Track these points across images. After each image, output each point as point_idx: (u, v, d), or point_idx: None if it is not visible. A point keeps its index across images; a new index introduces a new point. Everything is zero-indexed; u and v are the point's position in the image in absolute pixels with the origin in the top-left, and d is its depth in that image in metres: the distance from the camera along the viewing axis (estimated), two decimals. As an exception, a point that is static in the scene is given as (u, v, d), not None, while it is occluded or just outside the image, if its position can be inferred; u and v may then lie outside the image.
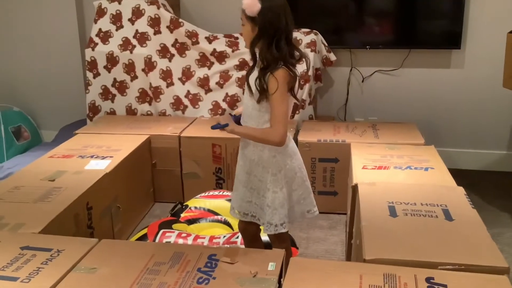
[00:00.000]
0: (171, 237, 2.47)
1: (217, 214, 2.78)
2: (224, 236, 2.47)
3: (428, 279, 1.57)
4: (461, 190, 2.30)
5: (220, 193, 2.94)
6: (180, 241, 2.45)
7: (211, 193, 2.96)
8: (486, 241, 1.83)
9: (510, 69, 3.08)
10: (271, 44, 1.84)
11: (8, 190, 2.38)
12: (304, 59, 1.99)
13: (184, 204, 2.90)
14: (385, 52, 3.92)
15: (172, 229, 2.56)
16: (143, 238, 2.51)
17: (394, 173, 2.55)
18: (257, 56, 1.93)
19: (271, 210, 1.96)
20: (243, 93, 3.59)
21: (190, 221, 2.74)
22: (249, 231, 2.15)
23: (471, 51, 3.77)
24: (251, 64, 2.02)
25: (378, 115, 4.00)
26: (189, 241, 2.44)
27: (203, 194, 2.95)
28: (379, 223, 1.98)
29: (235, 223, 2.63)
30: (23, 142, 4.28)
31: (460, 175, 2.64)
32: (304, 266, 1.69)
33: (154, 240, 2.47)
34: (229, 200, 2.53)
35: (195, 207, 2.82)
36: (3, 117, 4.17)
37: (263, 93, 1.88)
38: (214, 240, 2.45)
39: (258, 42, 1.88)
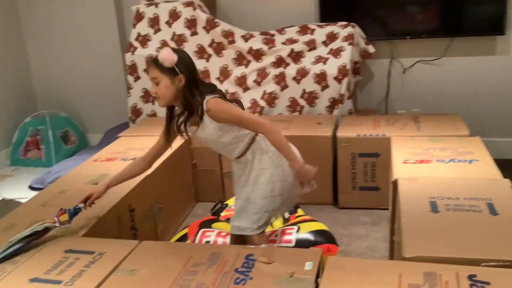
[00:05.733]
0: (210, 236, 2.50)
1: None
2: None
3: (470, 277, 1.52)
4: (507, 182, 2.21)
5: None
6: (220, 240, 2.47)
7: None
8: (533, 236, 1.76)
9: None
10: (194, 89, 1.96)
11: (53, 195, 2.47)
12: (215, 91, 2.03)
13: (224, 203, 2.92)
14: (426, 41, 3.81)
15: (212, 228, 2.58)
16: (183, 238, 2.55)
17: (436, 166, 2.48)
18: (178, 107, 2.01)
19: None
20: (281, 90, 3.62)
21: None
22: None
23: (516, 36, 3.63)
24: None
25: (420, 106, 3.90)
26: (228, 239, 2.46)
27: None
28: (419, 219, 1.93)
29: (274, 221, 2.63)
30: (70, 146, 4.43)
31: (509, 166, 2.54)
32: (341, 265, 1.67)
33: (194, 240, 2.50)
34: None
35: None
36: (51, 122, 4.34)
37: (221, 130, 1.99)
38: None
39: (185, 90, 1.94)
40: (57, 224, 1.96)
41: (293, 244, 2.39)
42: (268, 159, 2.08)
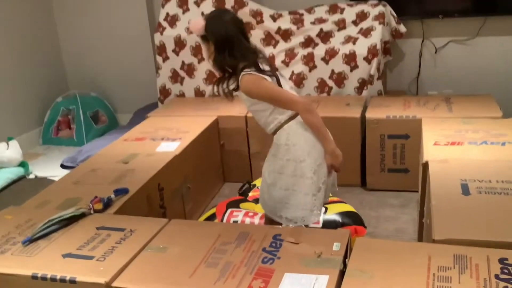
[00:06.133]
0: (238, 216, 2.52)
1: None
2: None
3: (501, 260, 1.50)
4: (541, 165, 2.16)
5: None
6: (247, 220, 2.49)
7: None
8: None
9: None
10: (228, 56, 1.95)
11: (85, 173, 2.52)
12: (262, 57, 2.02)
13: (252, 183, 2.93)
14: (460, 20, 3.72)
15: (240, 208, 2.60)
16: (211, 217, 2.58)
17: (468, 149, 2.43)
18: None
19: None
20: (309, 70, 3.59)
21: (258, 200, 2.76)
22: None
23: (554, 14, 3.50)
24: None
25: (453, 87, 3.82)
26: (256, 219, 2.48)
27: None
28: (450, 201, 1.91)
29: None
30: (101, 126, 4.49)
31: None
32: (369, 247, 1.66)
33: (222, 219, 2.53)
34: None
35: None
36: (82, 102, 4.40)
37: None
38: None
39: (216, 57, 1.97)
40: (92, 211, 2.02)
41: (320, 225, 2.39)
42: (295, 151, 2.00)
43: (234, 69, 1.97)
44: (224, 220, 2.52)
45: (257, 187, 2.86)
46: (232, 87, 2.01)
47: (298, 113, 1.98)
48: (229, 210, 2.56)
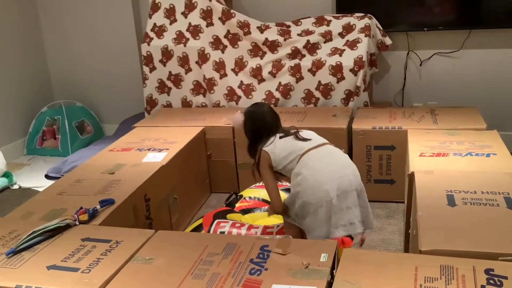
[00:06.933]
0: (225, 227, 2.50)
1: (270, 203, 2.79)
2: (278, 226, 2.48)
3: (487, 271, 1.51)
4: (525, 177, 2.18)
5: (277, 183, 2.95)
6: (234, 231, 2.48)
7: None
8: (552, 231, 1.73)
9: None
10: (253, 142, 2.38)
11: (71, 184, 2.49)
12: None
13: (239, 194, 2.92)
14: (444, 33, 3.77)
15: (227, 219, 2.59)
16: (198, 228, 2.56)
17: (453, 160, 2.46)
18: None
19: None
20: (296, 81, 3.61)
21: (245, 211, 2.76)
22: None
23: (537, 28, 3.57)
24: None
25: (437, 99, 3.87)
26: (243, 230, 2.47)
27: (257, 184, 2.96)
28: (436, 212, 1.92)
29: None
30: (86, 136, 4.46)
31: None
32: (357, 258, 1.66)
33: (209, 230, 2.51)
34: (284, 190, 2.63)
35: (250, 197, 2.85)
36: (67, 112, 4.37)
37: None
38: (268, 230, 2.46)
39: (248, 142, 2.41)
40: (77, 222, 2.00)
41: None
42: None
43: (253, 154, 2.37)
44: (211, 231, 2.50)
45: (244, 198, 2.86)
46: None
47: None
48: (216, 221, 2.55)
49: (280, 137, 2.31)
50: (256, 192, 2.90)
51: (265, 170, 2.30)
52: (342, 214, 2.14)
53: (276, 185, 2.33)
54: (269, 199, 2.78)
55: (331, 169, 2.16)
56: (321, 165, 2.18)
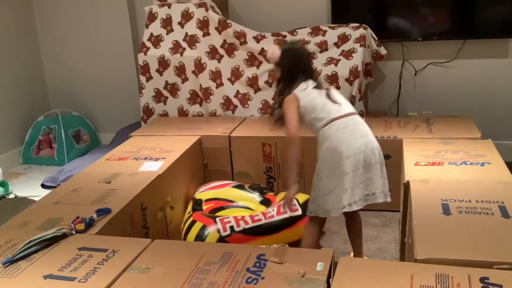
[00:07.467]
0: (231, 222, 2.66)
1: (231, 201, 2.95)
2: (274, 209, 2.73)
3: (482, 279, 1.52)
4: (519, 185, 2.20)
5: (220, 183, 3.09)
6: (241, 223, 2.65)
7: (212, 184, 3.08)
8: (546, 239, 1.75)
9: None
10: (286, 81, 2.38)
11: (67, 193, 2.49)
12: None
13: (197, 198, 2.94)
14: (438, 43, 3.81)
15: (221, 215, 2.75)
16: (203, 229, 2.64)
17: (448, 169, 2.47)
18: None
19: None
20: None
21: (217, 210, 2.87)
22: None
23: (530, 39, 3.61)
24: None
25: (432, 109, 3.90)
26: (232, 221, 2.65)
27: (206, 187, 3.05)
28: (431, 221, 1.93)
29: (255, 207, 2.91)
30: (82, 145, 4.46)
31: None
32: (353, 266, 1.67)
33: (217, 229, 2.64)
34: (236, 187, 3.01)
35: (207, 200, 2.93)
36: (64, 121, 4.37)
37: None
38: (268, 215, 2.72)
39: (279, 80, 2.41)
40: (73, 232, 2.01)
41: (300, 212, 2.73)
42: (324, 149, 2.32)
43: (286, 88, 2.37)
44: (221, 229, 2.61)
45: (204, 201, 2.93)
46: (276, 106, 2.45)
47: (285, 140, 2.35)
48: (218, 219, 2.65)
49: (313, 88, 2.35)
50: (209, 194, 2.99)
51: (292, 104, 2.31)
52: (366, 185, 2.27)
53: (297, 119, 2.33)
54: (227, 198, 2.96)
55: (358, 142, 2.26)
56: (347, 135, 2.27)
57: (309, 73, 2.40)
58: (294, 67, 2.37)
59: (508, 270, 1.58)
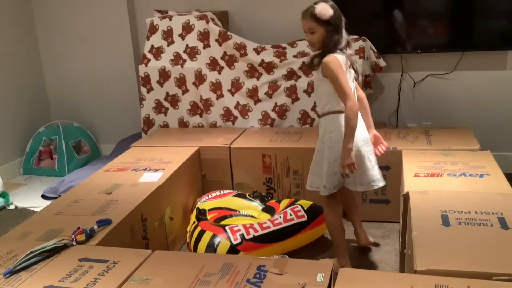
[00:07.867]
0: (240, 230, 2.69)
1: (234, 210, 2.98)
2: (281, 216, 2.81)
3: (482, 291, 1.53)
4: (518, 197, 2.21)
5: (222, 192, 3.12)
6: (251, 230, 2.68)
7: (213, 194, 3.10)
8: (545, 250, 1.76)
9: None
10: (335, 36, 2.35)
11: (68, 204, 2.50)
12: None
13: (201, 208, 2.95)
14: (437, 55, 3.83)
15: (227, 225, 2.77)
16: (213, 238, 2.65)
17: (447, 180, 2.48)
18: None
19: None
20: (292, 102, 3.65)
21: (221, 219, 2.88)
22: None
23: (528, 51, 3.63)
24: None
25: (431, 120, 3.91)
26: (242, 230, 2.67)
27: (208, 197, 3.07)
28: (431, 232, 1.94)
29: (258, 215, 2.97)
30: (83, 156, 4.47)
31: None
32: (353, 277, 1.68)
33: (228, 238, 2.65)
34: (237, 196, 3.05)
35: (210, 209, 2.94)
36: (64, 132, 4.39)
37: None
38: (276, 222, 2.77)
39: (329, 37, 2.34)
40: (74, 243, 2.02)
41: (306, 218, 2.83)
42: (333, 137, 2.39)
43: (330, 49, 2.34)
44: (231, 238, 2.63)
45: (208, 210, 2.94)
46: (316, 61, 2.40)
47: (344, 105, 2.31)
48: (227, 227, 2.68)
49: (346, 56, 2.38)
50: (213, 203, 3.01)
51: (340, 69, 2.30)
52: (370, 171, 2.47)
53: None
54: (230, 207, 2.99)
55: (365, 134, 2.47)
56: (360, 126, 2.40)
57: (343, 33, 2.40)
58: (340, 26, 2.36)
59: (508, 281, 1.58)
